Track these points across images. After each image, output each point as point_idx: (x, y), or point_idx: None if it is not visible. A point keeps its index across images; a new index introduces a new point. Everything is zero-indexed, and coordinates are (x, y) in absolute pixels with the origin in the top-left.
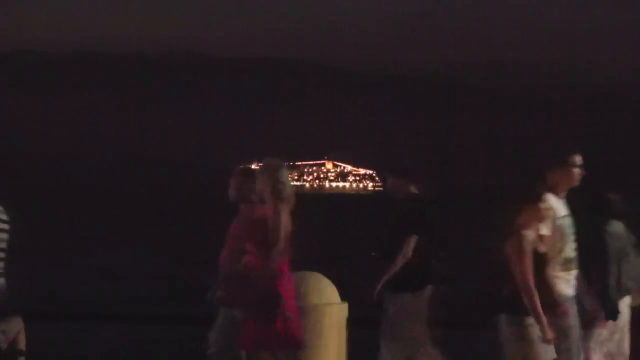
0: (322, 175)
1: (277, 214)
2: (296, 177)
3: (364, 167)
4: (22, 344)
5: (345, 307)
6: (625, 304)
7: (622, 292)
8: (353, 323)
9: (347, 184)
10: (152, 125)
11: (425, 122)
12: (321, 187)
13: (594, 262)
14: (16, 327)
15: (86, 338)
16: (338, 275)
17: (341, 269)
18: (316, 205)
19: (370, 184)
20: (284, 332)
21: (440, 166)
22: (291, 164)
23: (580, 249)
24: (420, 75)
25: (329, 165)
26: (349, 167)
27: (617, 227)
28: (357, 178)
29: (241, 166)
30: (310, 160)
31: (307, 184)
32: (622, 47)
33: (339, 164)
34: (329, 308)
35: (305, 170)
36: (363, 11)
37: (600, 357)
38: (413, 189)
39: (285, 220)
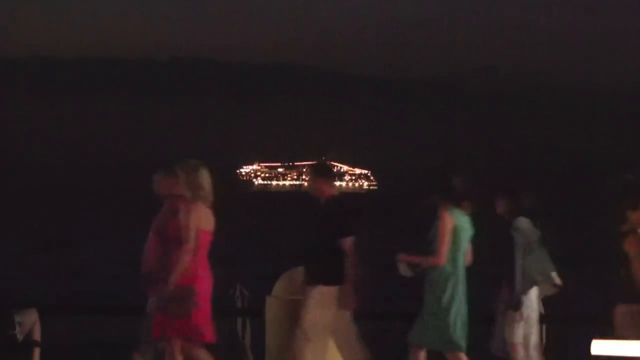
0: None
1: (189, 212)
2: (295, 177)
3: (359, 167)
4: (37, 335)
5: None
6: (532, 296)
7: (527, 284)
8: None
9: (344, 183)
10: (158, 126)
11: (419, 124)
12: None
13: (504, 256)
14: (32, 318)
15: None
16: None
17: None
18: (314, 203)
19: (366, 183)
20: (196, 324)
21: (432, 164)
22: (290, 164)
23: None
24: (414, 79)
25: None
26: (345, 167)
27: (524, 223)
28: (353, 177)
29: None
30: (309, 161)
31: (305, 184)
32: (613, 51)
33: (336, 164)
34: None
35: (304, 170)
36: (360, 19)
37: (521, 347)
38: (333, 191)
39: (198, 219)
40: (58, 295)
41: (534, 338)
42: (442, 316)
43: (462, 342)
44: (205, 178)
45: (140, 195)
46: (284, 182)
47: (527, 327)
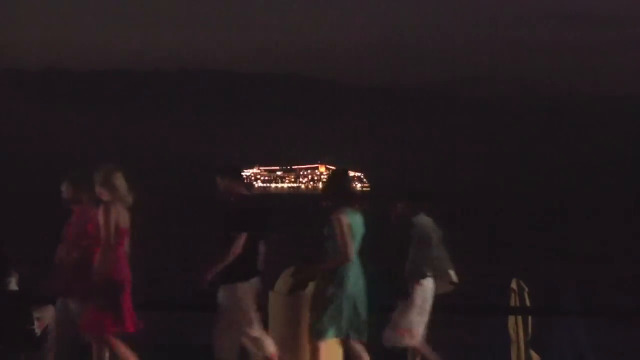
0: (315, 178)
1: (108, 213)
2: (293, 180)
3: (353, 170)
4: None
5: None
6: (427, 288)
7: (417, 276)
8: None
9: None
10: (167, 133)
11: (411, 130)
12: (315, 188)
13: (401, 249)
14: (49, 314)
15: None
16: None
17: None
18: (310, 204)
19: (359, 185)
20: (123, 315)
21: (421, 168)
22: (288, 167)
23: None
24: (406, 88)
25: (322, 169)
26: None
27: (423, 220)
28: None
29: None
30: (305, 164)
31: (303, 186)
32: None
33: (331, 167)
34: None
35: (301, 173)
36: (355, 33)
37: (406, 332)
38: (243, 190)
39: (117, 219)
40: None
41: (422, 328)
42: (341, 307)
43: (361, 331)
44: (120, 181)
45: (144, 195)
46: (283, 185)
47: (417, 316)
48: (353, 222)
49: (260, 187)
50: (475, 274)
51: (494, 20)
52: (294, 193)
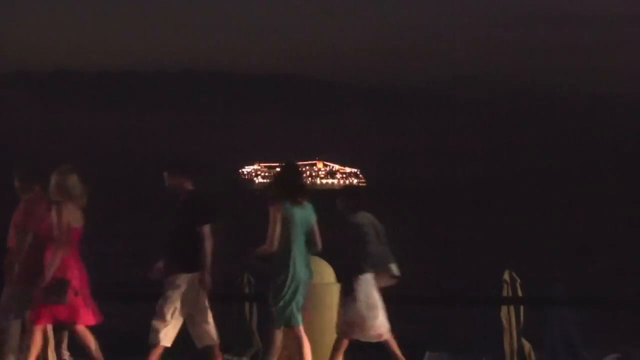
0: (313, 174)
1: (60, 213)
2: None
3: (349, 166)
4: None
5: (339, 286)
6: (369, 283)
7: (356, 272)
8: None
9: (335, 181)
10: (172, 132)
11: (406, 128)
12: (313, 184)
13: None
14: None
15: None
16: (332, 260)
17: (336, 254)
18: (309, 199)
19: (355, 181)
20: (74, 310)
21: (417, 165)
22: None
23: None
24: (402, 87)
25: (320, 165)
26: (336, 167)
27: (364, 218)
28: (344, 175)
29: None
30: (304, 161)
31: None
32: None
33: (329, 163)
34: (328, 287)
35: (300, 169)
36: (352, 35)
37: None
38: (189, 185)
39: (69, 219)
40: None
41: (379, 320)
42: (282, 295)
43: (299, 318)
44: (74, 182)
45: (147, 190)
46: None
47: (367, 311)
48: (296, 215)
49: (261, 182)
50: (469, 265)
51: (490, 21)
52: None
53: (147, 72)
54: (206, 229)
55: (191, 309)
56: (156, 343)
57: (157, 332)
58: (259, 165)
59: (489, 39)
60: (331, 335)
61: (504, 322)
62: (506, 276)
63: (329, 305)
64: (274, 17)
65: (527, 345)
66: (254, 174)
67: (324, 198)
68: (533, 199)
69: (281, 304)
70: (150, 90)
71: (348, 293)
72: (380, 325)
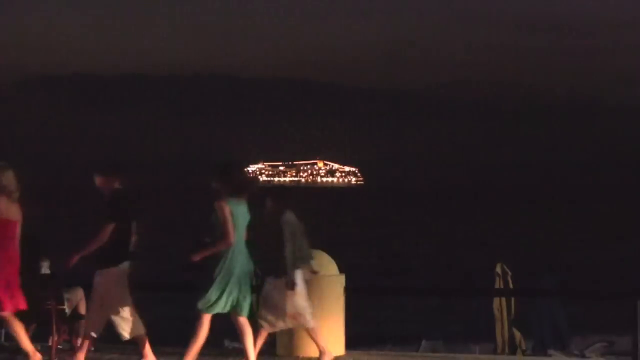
0: (314, 172)
1: None
2: (294, 174)
3: (348, 165)
4: (82, 309)
5: (342, 278)
6: (298, 278)
7: (293, 267)
8: (348, 290)
9: (335, 179)
10: (182, 133)
11: (402, 129)
12: (314, 182)
13: (276, 245)
14: (78, 296)
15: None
16: (334, 253)
17: (337, 248)
18: (310, 196)
19: (354, 179)
20: (15, 298)
21: (413, 165)
22: (290, 163)
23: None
24: (399, 90)
25: (320, 164)
26: (336, 166)
27: (291, 216)
28: (343, 174)
29: None
30: (305, 160)
31: (303, 179)
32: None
33: (329, 163)
34: (330, 279)
35: (301, 168)
36: (352, 40)
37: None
38: (116, 184)
39: (6, 213)
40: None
41: (309, 309)
42: (223, 284)
43: (243, 307)
44: (8, 178)
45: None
46: (285, 179)
47: (304, 302)
48: (237, 211)
49: (265, 180)
50: (464, 259)
51: (489, 27)
52: (294, 186)
53: (161, 76)
54: (107, 227)
55: (114, 301)
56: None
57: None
58: (263, 164)
59: (483, 43)
60: (333, 323)
61: (496, 312)
62: (498, 269)
63: (331, 296)
64: (278, 23)
65: (517, 335)
66: (258, 172)
67: (324, 195)
68: (524, 196)
69: (213, 292)
70: (164, 93)
71: (289, 287)
72: (312, 315)
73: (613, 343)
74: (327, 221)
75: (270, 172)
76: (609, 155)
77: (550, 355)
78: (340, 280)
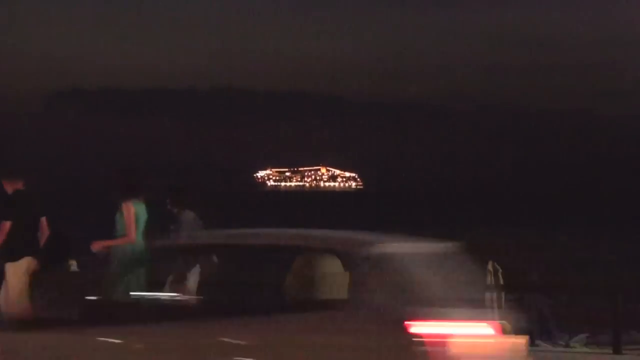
0: (317, 178)
1: None
2: (299, 179)
3: (348, 171)
4: None
5: (347, 276)
6: (195, 274)
7: (193, 265)
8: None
9: (336, 184)
10: (198, 143)
11: (399, 139)
12: (317, 186)
13: None
14: None
15: None
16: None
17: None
18: (313, 199)
19: (354, 184)
20: None
21: (409, 170)
22: (295, 169)
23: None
24: (395, 103)
25: (323, 170)
26: (337, 171)
27: (189, 215)
28: (344, 179)
29: None
30: (309, 167)
31: (307, 184)
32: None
33: (331, 169)
34: (336, 277)
35: (306, 174)
36: (355, 55)
37: None
38: (19, 186)
39: None
40: None
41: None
42: (122, 280)
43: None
44: None
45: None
46: (290, 184)
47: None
48: (138, 211)
49: (272, 185)
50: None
51: (474, 44)
52: (299, 190)
53: (180, 90)
54: (4, 225)
55: (12, 291)
56: None
57: None
58: (270, 171)
59: (477, 60)
60: None
61: (488, 305)
62: (490, 266)
63: (334, 290)
64: (285, 41)
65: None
66: (266, 178)
67: (326, 198)
68: (513, 201)
69: (113, 287)
70: (183, 105)
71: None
72: None
73: (595, 334)
74: (330, 222)
75: (277, 178)
76: (596, 161)
77: (537, 345)
78: (346, 278)
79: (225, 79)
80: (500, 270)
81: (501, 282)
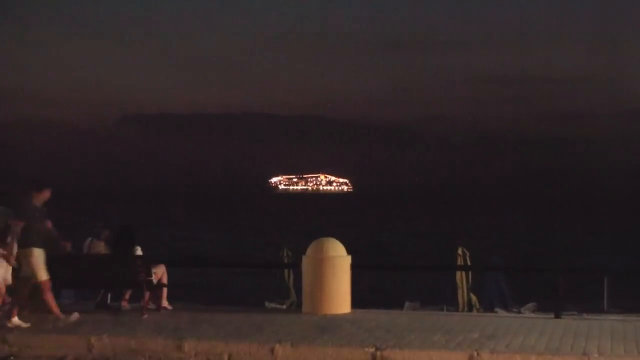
0: (318, 183)
1: None
2: (303, 184)
3: (342, 178)
4: (165, 280)
5: (349, 258)
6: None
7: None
8: (353, 267)
9: (332, 188)
10: (229, 158)
11: (385, 154)
12: (317, 190)
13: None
14: (162, 270)
15: None
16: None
17: (341, 236)
18: (314, 200)
19: (346, 188)
20: None
21: (395, 179)
22: (300, 176)
23: None
24: (380, 123)
25: (322, 177)
26: (333, 178)
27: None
28: (339, 184)
29: None
30: (312, 174)
31: (309, 188)
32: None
33: (328, 175)
34: (340, 258)
35: (309, 179)
36: (353, 81)
37: None
38: (47, 196)
39: None
40: (179, 256)
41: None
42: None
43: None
44: None
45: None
46: (297, 187)
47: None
48: None
49: (283, 189)
50: (434, 244)
51: (452, 77)
52: (303, 192)
53: (218, 114)
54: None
55: None
56: None
57: None
58: (281, 177)
59: (455, 92)
60: (343, 290)
61: (458, 282)
62: (459, 251)
63: (341, 270)
64: (300, 76)
65: (473, 298)
66: (278, 182)
67: (325, 200)
68: (484, 204)
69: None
70: (220, 127)
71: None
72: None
73: (541, 304)
74: (328, 218)
75: (286, 183)
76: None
77: (496, 312)
78: (348, 260)
79: (253, 104)
80: (468, 254)
81: (469, 263)
